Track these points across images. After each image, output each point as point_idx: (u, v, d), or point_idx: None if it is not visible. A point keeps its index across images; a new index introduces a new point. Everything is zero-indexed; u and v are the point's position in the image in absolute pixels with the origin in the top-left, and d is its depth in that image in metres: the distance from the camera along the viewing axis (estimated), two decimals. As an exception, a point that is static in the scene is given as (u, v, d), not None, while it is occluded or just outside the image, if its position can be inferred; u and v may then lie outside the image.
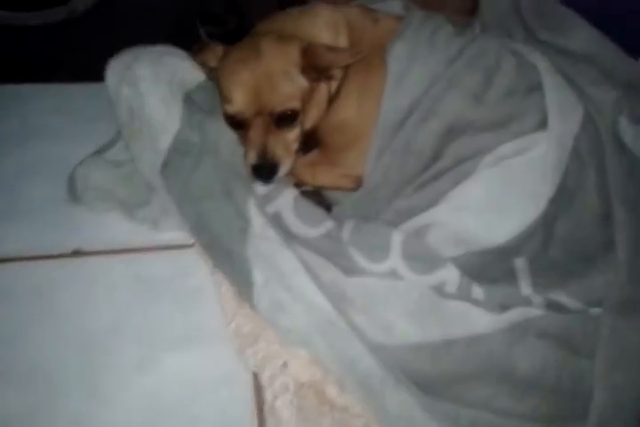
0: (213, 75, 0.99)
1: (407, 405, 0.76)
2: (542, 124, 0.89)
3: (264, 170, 0.92)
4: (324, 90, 0.97)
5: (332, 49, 0.94)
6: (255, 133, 0.91)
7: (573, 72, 0.96)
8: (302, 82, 0.92)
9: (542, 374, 0.79)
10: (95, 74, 1.09)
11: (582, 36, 0.97)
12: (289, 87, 0.91)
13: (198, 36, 1.31)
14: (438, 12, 1.10)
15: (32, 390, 0.87)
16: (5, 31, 1.31)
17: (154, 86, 0.98)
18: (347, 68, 0.97)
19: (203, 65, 1.01)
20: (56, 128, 1.20)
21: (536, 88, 0.92)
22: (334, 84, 0.98)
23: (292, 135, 0.94)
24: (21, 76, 1.30)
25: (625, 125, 0.93)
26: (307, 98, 0.94)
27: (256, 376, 0.87)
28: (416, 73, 0.93)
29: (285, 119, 0.92)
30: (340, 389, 0.83)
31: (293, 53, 0.91)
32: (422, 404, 0.75)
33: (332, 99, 0.98)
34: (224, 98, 0.93)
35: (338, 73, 0.97)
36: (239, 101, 0.91)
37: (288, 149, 0.94)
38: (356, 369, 0.79)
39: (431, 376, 0.79)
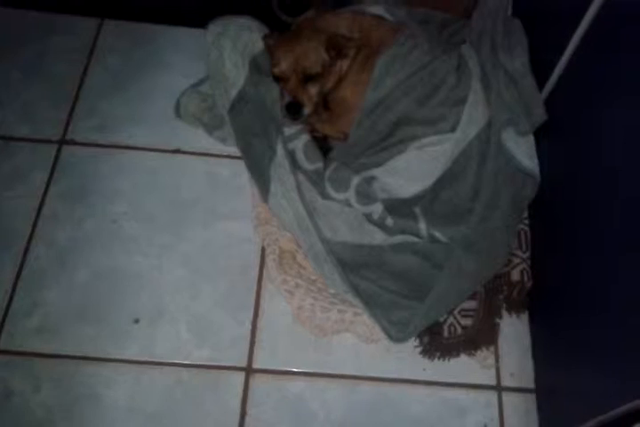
0: (270, 49, 1.49)
1: (334, 273, 1.31)
2: (455, 128, 1.33)
3: (293, 108, 1.41)
4: (338, 67, 1.44)
5: (345, 38, 1.41)
6: (290, 86, 1.41)
7: (501, 91, 1.33)
8: (325, 56, 1.39)
9: (408, 272, 1.33)
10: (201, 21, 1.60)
11: (520, 61, 1.31)
12: (316, 57, 1.38)
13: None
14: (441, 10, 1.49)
15: (139, 228, 1.47)
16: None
17: (232, 54, 1.51)
18: (353, 59, 1.44)
19: (266, 42, 1.51)
20: (170, 62, 1.75)
21: (462, 101, 1.33)
22: (345, 66, 1.45)
23: (314, 91, 1.42)
24: (148, 17, 1.81)
25: (511, 135, 1.33)
26: (326, 68, 1.41)
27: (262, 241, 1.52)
28: (388, 81, 1.38)
29: (311, 79, 1.40)
30: (304, 257, 1.47)
31: (322, 38, 1.39)
32: (340, 274, 1.34)
33: (340, 79, 1.46)
34: (274, 63, 1.42)
35: (350, 52, 1.43)
36: (283, 65, 1.39)
37: (310, 99, 1.42)
38: (313, 249, 1.38)
39: (349, 261, 1.36)
